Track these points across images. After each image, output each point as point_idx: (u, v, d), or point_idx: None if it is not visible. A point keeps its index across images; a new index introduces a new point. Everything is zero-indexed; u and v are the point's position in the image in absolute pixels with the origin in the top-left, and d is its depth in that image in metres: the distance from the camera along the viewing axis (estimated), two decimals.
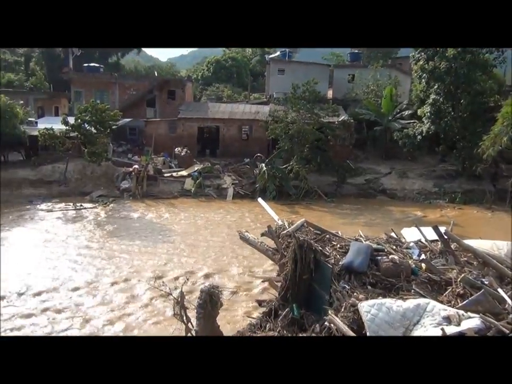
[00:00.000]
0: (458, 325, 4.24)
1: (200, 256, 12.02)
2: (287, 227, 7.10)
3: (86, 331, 7.90)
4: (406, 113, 25.41)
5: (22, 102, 25.04)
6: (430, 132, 22.25)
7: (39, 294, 9.35)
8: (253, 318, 6.39)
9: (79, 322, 8.22)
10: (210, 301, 4.69)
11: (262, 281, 8.00)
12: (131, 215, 16.74)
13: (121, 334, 7.93)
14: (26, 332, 7.75)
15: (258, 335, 4.17)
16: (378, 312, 4.70)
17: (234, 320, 7.72)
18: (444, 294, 5.29)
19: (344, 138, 23.70)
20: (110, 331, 8.00)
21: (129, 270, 10.91)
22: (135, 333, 7.96)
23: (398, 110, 25.72)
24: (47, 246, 12.60)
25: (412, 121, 24.16)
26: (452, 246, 6.35)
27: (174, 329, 7.21)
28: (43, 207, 17.54)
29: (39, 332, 7.79)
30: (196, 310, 4.86)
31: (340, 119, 23.59)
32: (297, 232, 6.61)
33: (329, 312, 5.32)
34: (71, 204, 17.91)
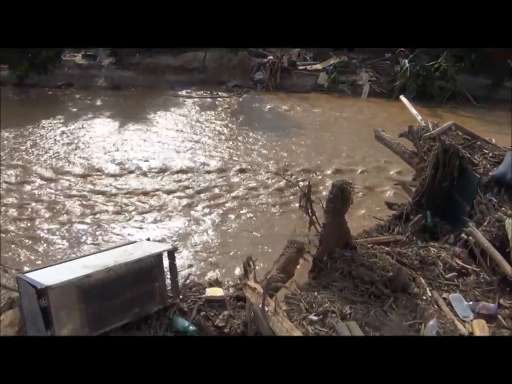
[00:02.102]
0: None
1: (329, 152, 11.84)
2: (431, 129, 6.43)
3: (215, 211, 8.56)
4: None
5: None
6: None
7: (177, 172, 10.25)
8: (381, 219, 6.19)
9: (211, 203, 8.92)
10: (341, 196, 4.56)
11: (395, 184, 7.63)
12: (263, 107, 16.90)
13: (248, 216, 8.46)
14: (166, 204, 8.67)
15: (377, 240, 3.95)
16: None
17: (361, 220, 7.64)
18: None
19: None
20: (240, 214, 8.56)
21: (257, 158, 11.27)
22: (259, 219, 8.40)
23: None
24: (183, 131, 13.48)
25: None
26: None
27: (299, 220, 7.47)
28: (183, 93, 18.56)
29: (178, 207, 8.66)
30: (325, 204, 4.80)
31: None
32: (443, 136, 5.95)
33: (470, 224, 4.88)
34: (208, 91, 18.62)
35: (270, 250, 7.29)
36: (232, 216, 8.51)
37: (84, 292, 3.13)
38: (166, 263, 3.70)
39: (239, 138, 12.86)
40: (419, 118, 6.97)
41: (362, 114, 16.24)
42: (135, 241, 3.99)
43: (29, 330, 3.23)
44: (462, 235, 5.10)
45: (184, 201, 8.92)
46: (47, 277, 3.08)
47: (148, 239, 3.95)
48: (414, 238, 5.47)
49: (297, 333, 3.41)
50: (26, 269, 5.12)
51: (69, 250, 7.13)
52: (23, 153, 11.00)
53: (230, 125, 14.20)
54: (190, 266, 6.64)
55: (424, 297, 4.45)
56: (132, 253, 3.57)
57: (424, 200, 5.79)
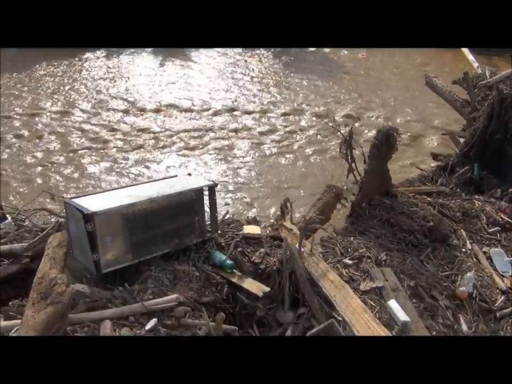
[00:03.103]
0: None
1: (373, 99, 11.38)
2: (488, 77, 6.01)
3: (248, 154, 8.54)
4: None
5: None
6: None
7: (217, 112, 10.18)
8: (424, 170, 6.00)
9: (250, 145, 8.89)
10: (387, 142, 4.42)
11: (442, 134, 7.31)
12: (306, 49, 16.23)
13: (287, 160, 8.41)
14: (205, 142, 8.71)
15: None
16: None
17: (403, 169, 7.45)
18: None
19: None
20: (278, 157, 8.51)
21: (299, 102, 11.00)
22: (297, 164, 8.34)
23: None
24: (224, 70, 13.17)
25: None
26: None
27: (337, 167, 7.36)
28: None
29: (217, 146, 8.67)
30: (369, 150, 4.67)
31: None
32: (501, 84, 5.56)
33: None
34: None
35: (306, 194, 7.28)
36: (271, 159, 8.48)
37: (127, 220, 3.24)
38: (206, 199, 3.76)
39: (281, 80, 12.51)
40: (475, 64, 6.53)
41: (413, 60, 15.35)
42: (176, 176, 4.04)
43: (75, 253, 3.41)
44: (510, 190, 4.91)
45: (224, 142, 8.93)
46: (93, 203, 3.18)
47: (189, 174, 3.99)
48: (458, 190, 5.30)
49: (332, 274, 3.45)
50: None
51: (112, 182, 7.36)
52: (67, 86, 11.16)
53: (272, 66, 13.79)
54: (227, 204, 6.73)
55: (463, 250, 4.38)
56: (174, 186, 3.63)
57: (473, 152, 5.54)
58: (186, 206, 3.56)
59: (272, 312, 3.52)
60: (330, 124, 8.17)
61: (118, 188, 3.80)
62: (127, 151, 8.37)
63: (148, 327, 2.91)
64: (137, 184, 4.05)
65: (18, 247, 3.58)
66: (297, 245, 3.69)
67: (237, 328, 3.27)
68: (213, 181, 3.81)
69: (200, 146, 8.69)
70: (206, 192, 3.74)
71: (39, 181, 7.44)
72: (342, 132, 7.40)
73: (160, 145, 8.65)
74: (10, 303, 3.33)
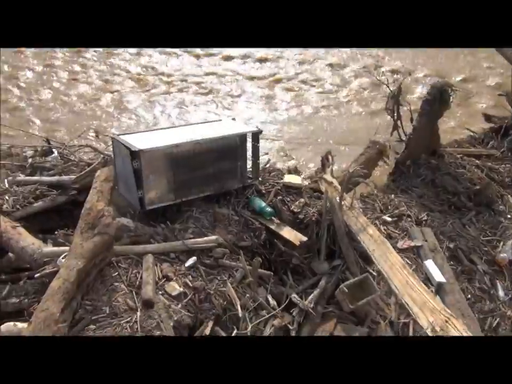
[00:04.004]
0: None
1: (426, 55, 10.75)
2: None
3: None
4: None
5: None
6: None
7: (261, 59, 9.92)
8: (475, 132, 5.72)
9: (293, 95, 8.70)
10: (440, 99, 4.21)
11: (498, 95, 6.89)
12: None
13: (329, 112, 8.21)
14: (249, 90, 8.57)
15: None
16: None
17: (453, 130, 7.13)
18: None
19: None
20: (320, 109, 8.31)
21: (347, 52, 10.55)
22: (340, 117, 8.13)
23: None
24: None
25: None
26: None
27: (379, 124, 7.11)
28: None
29: (260, 94, 8.53)
30: (420, 106, 4.48)
31: None
32: None
33: None
34: None
35: (347, 149, 7.13)
36: (312, 111, 8.28)
37: (172, 160, 3.27)
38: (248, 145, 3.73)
39: None
40: None
41: None
42: (221, 120, 4.01)
43: (120, 188, 3.50)
44: None
45: (266, 91, 8.76)
46: (140, 141, 3.22)
47: (233, 119, 3.95)
48: (510, 154, 5.06)
49: (372, 229, 3.43)
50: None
51: (155, 122, 7.44)
52: None
53: None
54: (266, 154, 6.70)
55: (508, 216, 4.24)
56: (218, 130, 3.61)
57: None
58: (230, 150, 3.56)
59: (308, 262, 3.56)
60: (378, 77, 7.88)
61: (163, 128, 3.82)
62: (170, 93, 8.37)
63: (187, 264, 3.01)
64: (182, 125, 4.05)
65: (66, 179, 3.72)
66: (338, 197, 3.66)
67: (272, 273, 3.34)
68: (257, 127, 3.76)
69: (242, 93, 8.57)
70: (249, 139, 3.71)
71: (84, 117, 7.58)
72: (389, 87, 7.14)
73: (201, 90, 8.59)
74: (56, 232, 3.52)
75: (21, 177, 3.93)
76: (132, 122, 7.45)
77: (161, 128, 3.93)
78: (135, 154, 3.10)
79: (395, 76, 9.01)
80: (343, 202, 3.70)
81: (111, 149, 3.53)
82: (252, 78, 9.13)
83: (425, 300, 2.76)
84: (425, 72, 9.86)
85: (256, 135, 3.69)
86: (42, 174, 4.23)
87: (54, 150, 5.13)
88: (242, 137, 3.63)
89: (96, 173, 3.26)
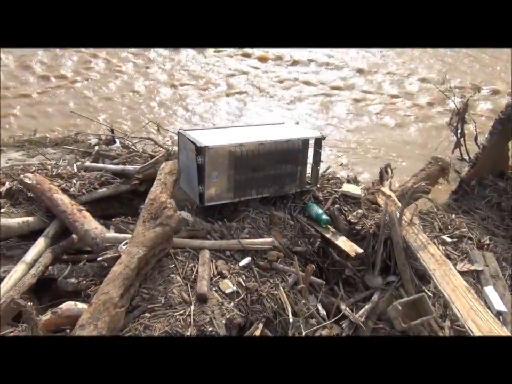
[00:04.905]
0: None
1: (496, 72, 10.32)
2: None
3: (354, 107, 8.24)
4: None
5: None
6: None
7: (323, 64, 9.88)
8: None
9: (353, 104, 8.59)
10: None
11: None
12: None
13: (388, 123, 8.04)
14: (307, 96, 8.54)
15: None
16: None
17: None
18: None
19: None
20: (380, 120, 8.16)
21: (410, 63, 10.30)
22: (399, 129, 7.93)
23: None
24: None
25: None
26: None
27: (443, 139, 6.88)
28: None
29: (319, 100, 8.48)
30: (492, 125, 4.29)
31: None
32: None
33: None
34: None
35: (404, 163, 6.95)
36: (370, 121, 8.15)
37: (235, 159, 3.30)
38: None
39: None
40: None
41: None
42: (283, 123, 4.01)
43: (180, 182, 3.57)
44: None
45: (325, 98, 8.70)
46: (205, 137, 3.27)
47: (297, 123, 3.94)
48: None
49: (433, 247, 3.30)
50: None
51: (213, 120, 7.57)
52: None
53: None
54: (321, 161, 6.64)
55: None
56: (281, 132, 3.61)
57: None
58: (292, 154, 3.54)
59: (361, 274, 3.48)
60: (444, 92, 7.62)
61: (227, 127, 3.86)
62: (229, 95, 8.49)
63: (242, 263, 3.01)
64: (246, 125, 4.08)
65: (131, 168, 3.83)
66: (398, 211, 3.55)
67: (324, 282, 3.29)
68: (320, 132, 3.73)
69: (301, 98, 8.56)
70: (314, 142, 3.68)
71: (145, 110, 7.83)
72: (455, 102, 6.90)
73: (262, 92, 8.65)
74: (113, 219, 3.64)
75: (87, 163, 4.09)
76: (189, 118, 7.62)
77: (225, 127, 3.97)
78: (200, 150, 3.15)
79: (459, 90, 8.71)
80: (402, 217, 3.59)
81: (170, 143, 3.60)
82: (311, 84, 9.11)
83: (491, 328, 2.62)
84: (498, 89, 9.48)
85: (319, 141, 3.66)
86: (105, 161, 4.41)
87: (116, 139, 5.34)
88: (305, 141, 3.60)
89: (161, 165, 3.34)
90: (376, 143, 7.52)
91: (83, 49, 9.70)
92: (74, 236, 3.36)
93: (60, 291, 3.09)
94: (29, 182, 3.47)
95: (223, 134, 3.51)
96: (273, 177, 3.53)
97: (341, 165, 6.79)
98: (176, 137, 3.55)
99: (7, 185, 3.66)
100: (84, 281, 3.03)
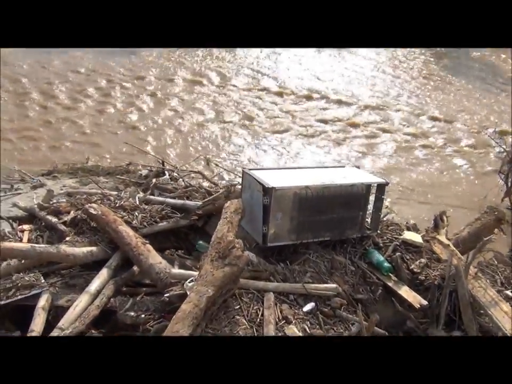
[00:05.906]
0: None
1: None
2: None
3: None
4: None
5: None
6: None
7: (364, 107, 9.92)
8: None
9: (399, 147, 8.55)
10: None
11: None
12: (470, 52, 15.01)
13: (434, 170, 7.93)
14: (352, 136, 8.56)
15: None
16: None
17: None
18: None
19: None
20: (425, 166, 8.06)
21: (454, 108, 10.25)
22: (446, 176, 7.80)
23: None
24: (378, 61, 12.73)
25: None
26: None
27: (490, 190, 6.68)
28: None
29: (364, 141, 8.48)
30: None
31: None
32: None
33: None
34: None
35: (451, 210, 6.81)
36: (414, 167, 8.07)
37: (299, 201, 3.29)
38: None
39: (438, 82, 11.75)
40: None
41: None
42: (344, 166, 4.01)
43: (242, 221, 3.57)
44: None
45: (370, 139, 8.71)
46: (271, 178, 3.28)
47: (358, 167, 3.92)
48: None
49: (506, 305, 3.16)
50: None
51: (259, 159, 7.65)
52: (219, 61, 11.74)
53: (431, 65, 12.97)
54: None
55: None
56: (345, 176, 3.60)
57: None
58: (355, 198, 3.51)
59: (423, 327, 3.35)
60: (491, 137, 7.50)
61: (289, 168, 3.88)
62: (274, 132, 8.60)
63: (305, 309, 2.95)
64: (308, 167, 4.10)
65: (192, 204, 3.87)
66: (464, 264, 3.44)
67: (386, 333, 3.18)
68: (384, 178, 3.70)
69: (345, 139, 8.59)
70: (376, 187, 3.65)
71: (192, 143, 8.00)
72: (506, 149, 6.77)
73: (306, 132, 8.73)
74: (168, 250, 3.65)
75: (148, 196, 4.16)
76: (237, 155, 7.72)
77: (289, 168, 3.99)
78: (267, 191, 3.16)
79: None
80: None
81: (218, 179, 3.60)
82: (355, 125, 9.16)
83: None
84: None
85: (382, 187, 3.62)
86: (161, 194, 4.47)
87: (166, 171, 5.44)
88: (368, 186, 3.58)
89: (226, 204, 3.36)
90: (421, 188, 7.41)
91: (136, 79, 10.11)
92: (135, 268, 3.38)
93: (119, 323, 3.10)
94: (94, 213, 3.54)
95: (287, 175, 3.53)
96: (336, 221, 3.50)
97: (386, 208, 6.71)
98: (224, 172, 3.58)
99: (72, 214, 3.74)
100: (142, 315, 3.03)
